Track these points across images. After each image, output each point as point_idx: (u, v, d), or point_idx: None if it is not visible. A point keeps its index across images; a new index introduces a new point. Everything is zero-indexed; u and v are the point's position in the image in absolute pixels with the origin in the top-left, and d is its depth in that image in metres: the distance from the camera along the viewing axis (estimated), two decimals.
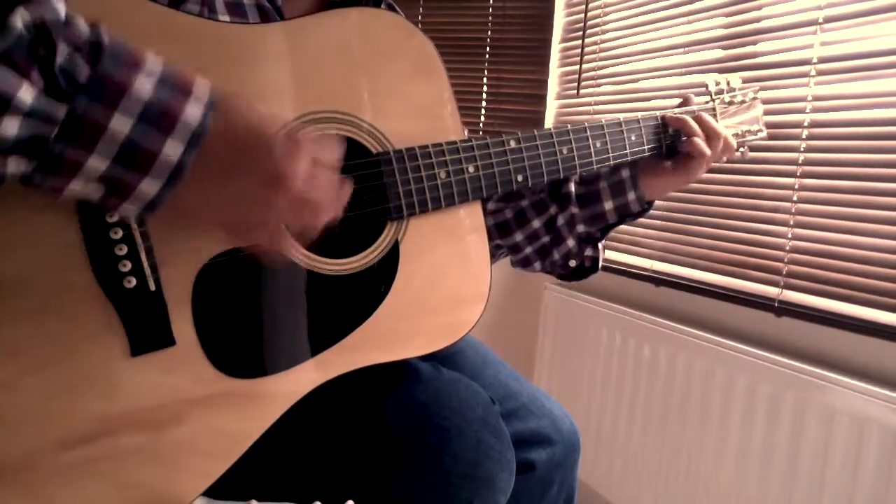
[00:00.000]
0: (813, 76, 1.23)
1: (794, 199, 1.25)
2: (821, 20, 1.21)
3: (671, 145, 0.84)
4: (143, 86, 0.42)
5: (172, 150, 0.43)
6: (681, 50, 1.50)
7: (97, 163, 0.42)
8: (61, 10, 0.40)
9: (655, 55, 1.57)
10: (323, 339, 0.63)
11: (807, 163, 1.23)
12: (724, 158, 0.88)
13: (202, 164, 0.45)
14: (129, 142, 0.42)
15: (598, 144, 0.78)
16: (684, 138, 0.83)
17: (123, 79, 0.42)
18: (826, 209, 1.21)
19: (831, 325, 1.19)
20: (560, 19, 1.87)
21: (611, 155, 0.80)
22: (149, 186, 0.44)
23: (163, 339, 0.54)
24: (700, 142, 0.81)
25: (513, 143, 0.73)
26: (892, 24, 1.11)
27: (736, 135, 0.89)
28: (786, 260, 1.27)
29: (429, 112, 0.69)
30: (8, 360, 0.48)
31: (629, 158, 0.82)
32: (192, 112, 0.44)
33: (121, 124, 0.41)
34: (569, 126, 0.77)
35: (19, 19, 0.38)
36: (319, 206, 0.51)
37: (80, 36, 0.41)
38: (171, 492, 0.54)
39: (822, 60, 1.21)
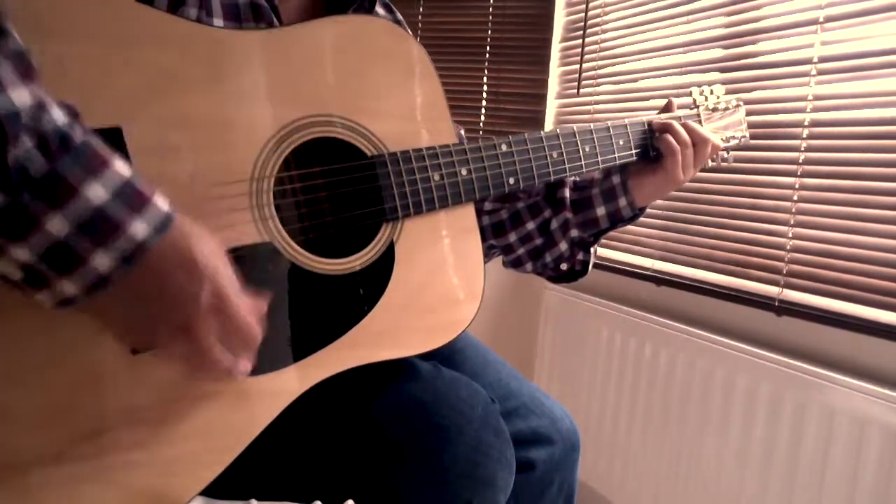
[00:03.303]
0: (813, 76, 1.23)
1: (795, 198, 1.25)
2: (821, 20, 1.21)
3: (658, 149, 0.86)
4: (95, 194, 0.41)
5: (101, 261, 0.42)
6: (680, 50, 1.50)
7: (22, 253, 0.40)
8: (25, 101, 0.39)
9: (655, 55, 1.57)
10: (320, 337, 0.63)
11: (807, 162, 1.24)
12: (710, 162, 0.91)
13: (127, 283, 0.43)
14: (62, 242, 0.40)
15: (587, 148, 0.80)
16: (657, 135, 0.85)
17: (77, 182, 0.40)
18: (826, 209, 1.21)
19: (831, 324, 1.19)
20: (560, 19, 1.87)
21: (599, 158, 0.81)
22: (67, 287, 0.42)
23: None
24: (671, 139, 0.83)
25: (504, 147, 0.74)
26: (892, 24, 1.11)
27: (721, 139, 0.92)
28: (786, 259, 1.27)
29: (422, 115, 0.70)
30: (7, 357, 0.48)
31: (618, 162, 0.83)
32: (136, 231, 0.42)
33: (58, 225, 0.40)
34: (558, 130, 0.79)
35: None
36: (215, 367, 0.50)
37: (48, 127, 0.40)
38: (170, 488, 0.54)
39: (822, 60, 1.21)
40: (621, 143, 0.83)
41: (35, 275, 0.41)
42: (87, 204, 0.40)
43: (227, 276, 0.48)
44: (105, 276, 0.42)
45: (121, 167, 0.43)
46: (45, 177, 0.39)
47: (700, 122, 0.91)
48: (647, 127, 0.85)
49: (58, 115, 0.41)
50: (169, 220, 0.44)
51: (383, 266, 0.67)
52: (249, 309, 0.51)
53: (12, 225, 0.39)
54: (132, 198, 0.42)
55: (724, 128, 0.94)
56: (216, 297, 0.47)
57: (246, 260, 0.58)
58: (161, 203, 0.44)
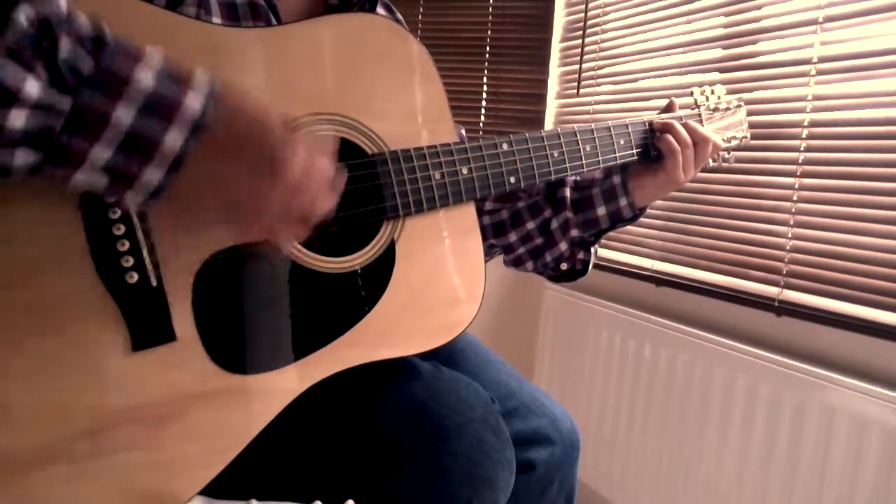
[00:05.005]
0: (813, 76, 1.23)
1: (794, 198, 1.25)
2: (821, 20, 1.21)
3: (659, 149, 0.85)
4: (145, 77, 0.43)
5: (173, 139, 0.44)
6: (680, 50, 1.50)
7: (101, 152, 0.43)
8: (63, 4, 0.41)
9: (655, 55, 1.57)
10: (321, 336, 0.63)
11: (807, 162, 1.24)
12: (711, 162, 0.91)
13: (202, 153, 0.46)
14: (132, 131, 0.43)
15: (587, 148, 0.80)
16: (658, 135, 0.85)
17: (126, 71, 0.43)
18: (826, 209, 1.21)
19: (831, 324, 1.19)
20: (560, 19, 1.87)
21: (600, 158, 0.81)
22: (151, 175, 0.45)
23: (164, 334, 0.54)
24: (671, 139, 0.83)
25: (505, 146, 0.74)
26: (892, 24, 1.11)
27: (723, 139, 0.92)
28: (786, 260, 1.27)
29: (423, 114, 0.70)
30: (9, 354, 0.48)
31: (618, 162, 0.83)
32: (192, 103, 0.45)
33: (124, 115, 0.43)
34: (559, 130, 0.79)
35: (23, 15, 0.39)
36: (315, 195, 0.52)
37: (82, 30, 0.42)
38: (170, 488, 0.54)
39: (822, 60, 1.21)
40: (622, 142, 0.83)
41: (118, 173, 0.44)
42: (140, 89, 0.43)
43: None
44: (180, 152, 0.44)
45: (154, 53, 0.45)
46: (94, 72, 0.42)
47: (701, 121, 0.91)
48: (647, 127, 0.85)
49: (86, 19, 0.43)
50: (215, 86, 0.46)
51: (384, 265, 0.67)
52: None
53: (83, 125, 0.42)
54: (176, 75, 0.45)
55: (725, 128, 0.94)
56: (286, 134, 0.49)
57: (248, 258, 0.58)
58: (202, 74, 0.46)
